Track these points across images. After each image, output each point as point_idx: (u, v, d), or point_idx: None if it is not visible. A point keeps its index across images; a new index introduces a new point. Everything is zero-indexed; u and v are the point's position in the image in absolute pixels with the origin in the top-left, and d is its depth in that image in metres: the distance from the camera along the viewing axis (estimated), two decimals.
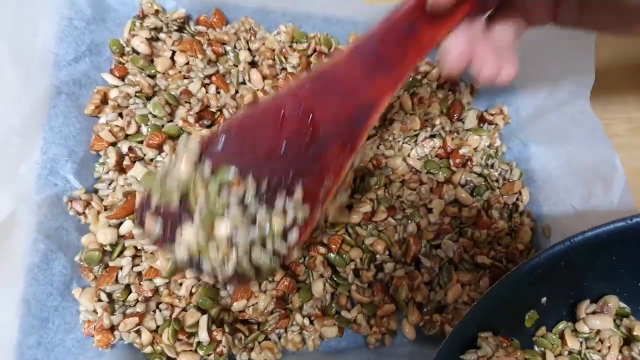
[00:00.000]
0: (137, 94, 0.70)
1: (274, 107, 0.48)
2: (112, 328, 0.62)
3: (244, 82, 0.76)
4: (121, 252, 0.64)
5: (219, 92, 0.73)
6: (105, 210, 0.65)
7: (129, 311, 0.63)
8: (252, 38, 0.78)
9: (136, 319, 0.61)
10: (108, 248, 0.64)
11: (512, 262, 0.74)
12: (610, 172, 0.69)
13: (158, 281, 0.63)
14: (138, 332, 0.62)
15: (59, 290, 0.62)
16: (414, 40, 0.44)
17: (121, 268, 0.63)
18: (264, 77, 0.76)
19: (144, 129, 0.68)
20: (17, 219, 0.60)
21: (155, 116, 0.69)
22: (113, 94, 0.70)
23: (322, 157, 0.49)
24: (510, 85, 0.83)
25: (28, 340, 0.59)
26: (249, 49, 0.77)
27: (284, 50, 0.76)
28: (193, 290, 0.63)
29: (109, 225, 0.64)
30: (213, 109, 0.72)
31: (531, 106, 0.82)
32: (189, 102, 0.70)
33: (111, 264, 0.64)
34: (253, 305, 0.65)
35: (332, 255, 0.67)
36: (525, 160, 0.80)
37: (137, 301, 0.63)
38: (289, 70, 0.76)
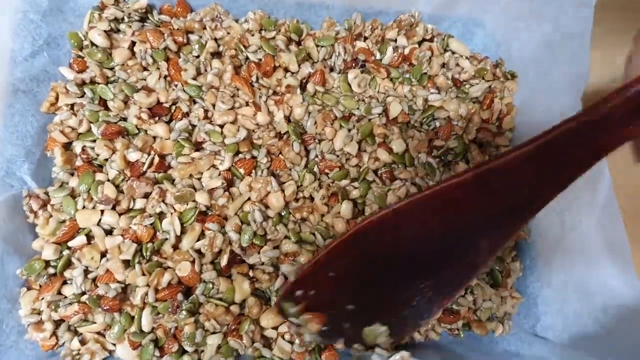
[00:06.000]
0: (86, 84, 0.69)
1: (430, 199, 0.48)
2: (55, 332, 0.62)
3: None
4: (67, 264, 0.63)
5: (175, 85, 0.70)
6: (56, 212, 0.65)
7: (69, 308, 0.62)
8: (219, 26, 0.74)
9: (81, 315, 0.62)
10: (52, 262, 0.63)
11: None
12: (596, 175, 0.64)
13: (113, 285, 0.62)
14: (76, 332, 0.63)
15: (12, 292, 0.62)
16: (598, 143, 0.41)
17: (67, 280, 0.64)
18: (235, 68, 0.72)
19: (94, 129, 0.66)
20: None
21: (107, 110, 0.68)
22: (68, 88, 0.68)
23: (473, 245, 0.50)
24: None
25: None
26: (215, 39, 0.74)
27: (243, 39, 0.73)
28: (146, 300, 0.62)
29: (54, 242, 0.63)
30: (167, 104, 0.69)
31: (518, 97, 0.76)
32: (140, 101, 0.67)
33: (57, 274, 0.63)
34: None
35: None
36: None
37: (82, 293, 0.63)
38: (252, 59, 0.72)
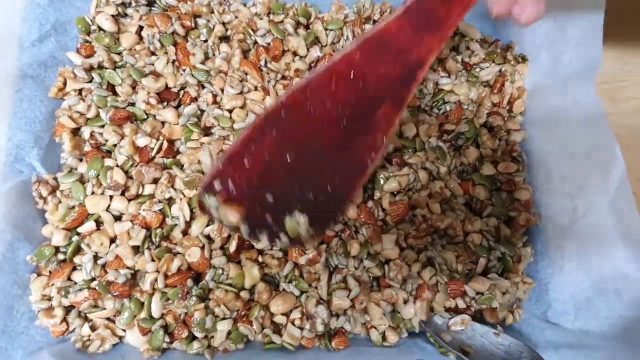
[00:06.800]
0: (94, 69, 0.68)
1: (326, 76, 0.52)
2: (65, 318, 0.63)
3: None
4: (77, 250, 0.63)
5: (183, 70, 0.70)
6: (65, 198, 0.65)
7: (80, 294, 0.62)
8: (227, 10, 0.73)
9: (91, 301, 0.62)
10: (62, 248, 0.63)
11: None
12: (609, 159, 0.63)
13: (122, 271, 0.62)
14: (86, 318, 0.63)
15: (23, 278, 0.62)
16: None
17: (77, 267, 0.64)
18: (243, 52, 0.72)
19: (102, 114, 0.66)
20: None
21: (115, 95, 0.68)
22: (76, 73, 0.67)
23: (373, 117, 0.53)
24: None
25: None
26: (223, 23, 0.73)
27: (251, 22, 0.72)
28: (155, 286, 0.62)
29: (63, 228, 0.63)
30: (175, 89, 0.69)
31: (529, 81, 0.75)
32: (148, 86, 0.67)
33: (66, 260, 0.63)
34: None
35: None
36: (521, 142, 0.74)
37: (92, 279, 0.63)
38: (260, 43, 0.71)
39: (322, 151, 0.54)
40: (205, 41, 0.72)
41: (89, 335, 0.62)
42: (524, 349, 0.61)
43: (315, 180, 0.55)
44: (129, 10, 0.71)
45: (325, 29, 0.74)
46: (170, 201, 0.65)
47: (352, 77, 0.52)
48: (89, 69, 0.68)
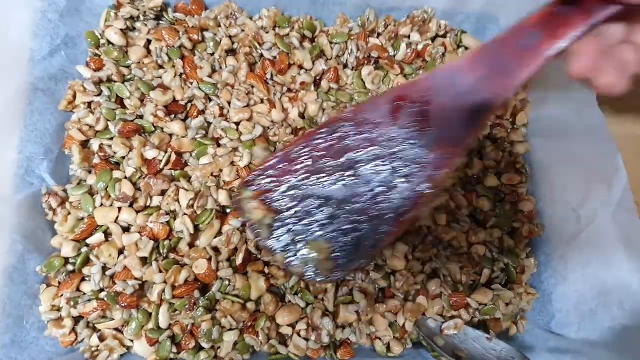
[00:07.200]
0: (103, 82, 0.70)
1: (395, 97, 0.50)
2: (74, 329, 0.63)
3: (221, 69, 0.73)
4: (86, 261, 0.64)
5: (191, 83, 0.71)
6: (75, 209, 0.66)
7: (89, 305, 0.63)
8: (233, 23, 0.74)
9: (100, 311, 0.62)
10: (71, 259, 0.64)
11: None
12: (611, 170, 0.63)
13: (130, 282, 0.63)
14: (95, 329, 0.64)
15: (32, 289, 0.63)
16: (535, 48, 0.44)
17: (86, 277, 0.65)
18: (250, 65, 0.73)
19: (111, 127, 0.67)
20: None
21: (124, 108, 0.69)
22: (85, 87, 0.69)
23: (428, 155, 0.49)
24: None
25: (2, 339, 0.60)
26: (230, 36, 0.74)
27: (257, 36, 0.74)
28: (163, 297, 0.63)
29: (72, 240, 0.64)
30: (183, 102, 0.70)
31: (532, 93, 0.75)
32: (156, 100, 0.68)
33: (75, 271, 0.64)
34: None
35: None
36: (524, 153, 0.75)
37: (101, 290, 0.63)
38: (267, 56, 0.72)
39: (366, 180, 0.51)
40: (212, 54, 0.73)
41: (98, 346, 0.63)
42: (516, 355, 0.61)
43: (350, 215, 0.51)
44: (138, 25, 0.73)
45: (331, 43, 0.75)
46: (175, 215, 0.66)
47: (416, 102, 0.49)
48: (98, 83, 0.69)
